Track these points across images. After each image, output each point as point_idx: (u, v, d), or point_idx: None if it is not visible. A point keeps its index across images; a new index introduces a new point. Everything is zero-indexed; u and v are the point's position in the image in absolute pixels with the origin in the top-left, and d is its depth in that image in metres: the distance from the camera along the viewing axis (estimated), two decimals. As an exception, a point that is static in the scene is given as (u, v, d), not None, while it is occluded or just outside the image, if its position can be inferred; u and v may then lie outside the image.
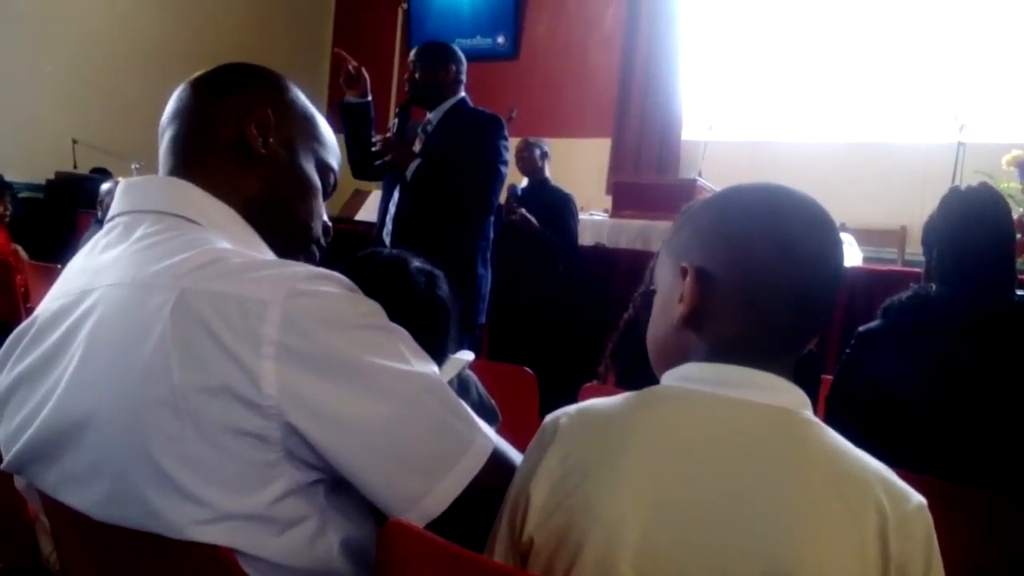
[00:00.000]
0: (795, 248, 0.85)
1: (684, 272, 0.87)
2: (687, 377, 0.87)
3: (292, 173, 1.06)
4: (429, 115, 3.30)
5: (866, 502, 0.76)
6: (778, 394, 0.83)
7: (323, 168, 1.10)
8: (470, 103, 3.32)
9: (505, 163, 3.26)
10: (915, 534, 0.77)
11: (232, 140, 1.01)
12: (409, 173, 3.14)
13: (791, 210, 0.87)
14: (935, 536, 0.79)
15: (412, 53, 3.33)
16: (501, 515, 0.88)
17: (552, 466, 0.84)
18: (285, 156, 1.05)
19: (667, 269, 0.93)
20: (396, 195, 3.26)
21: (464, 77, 3.31)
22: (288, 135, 1.05)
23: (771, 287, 0.84)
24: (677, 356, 0.89)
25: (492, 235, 3.36)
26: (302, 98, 1.10)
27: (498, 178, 3.22)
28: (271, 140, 1.03)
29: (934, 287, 1.78)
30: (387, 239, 3.26)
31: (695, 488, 0.78)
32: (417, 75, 3.25)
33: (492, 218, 3.33)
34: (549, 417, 0.90)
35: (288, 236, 1.06)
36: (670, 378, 0.89)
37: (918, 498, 0.79)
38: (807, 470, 0.78)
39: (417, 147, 3.25)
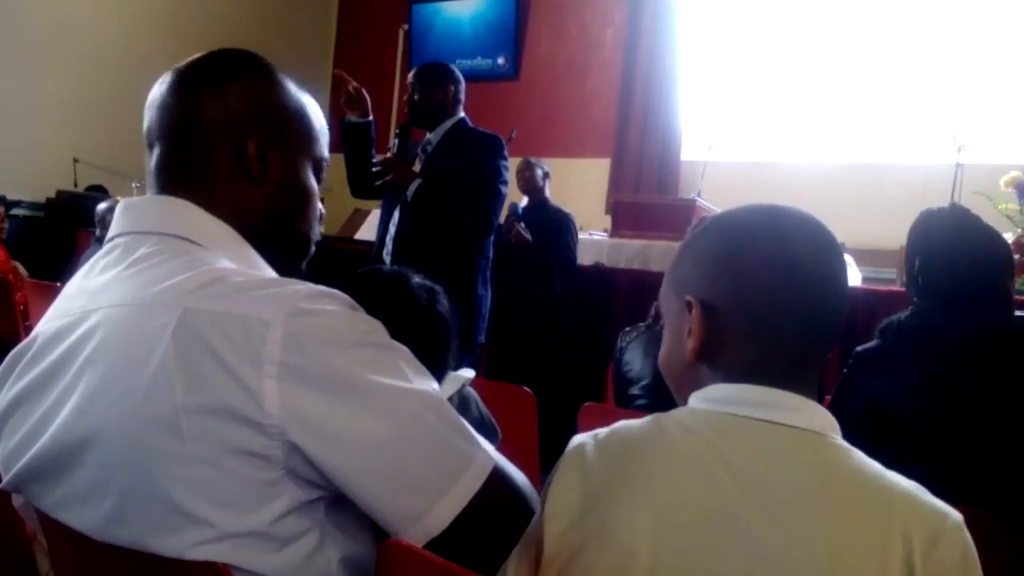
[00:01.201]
0: (800, 271, 0.84)
1: (689, 306, 0.87)
2: (714, 398, 0.86)
3: (292, 187, 1.05)
4: (429, 135, 3.31)
5: (890, 531, 0.74)
6: (804, 416, 0.82)
7: (318, 165, 1.09)
8: (469, 123, 3.34)
9: (505, 183, 3.27)
10: (945, 558, 0.74)
11: (230, 159, 1.00)
12: (410, 193, 3.15)
13: (792, 233, 0.86)
14: (973, 555, 0.76)
15: (410, 75, 3.35)
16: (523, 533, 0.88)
17: (572, 485, 0.85)
18: (284, 171, 1.04)
19: (672, 302, 0.92)
20: (396, 215, 3.27)
21: (463, 97, 3.33)
22: (285, 148, 1.04)
23: (779, 312, 0.83)
24: (695, 387, 0.88)
25: (492, 254, 3.37)
26: (292, 92, 1.06)
27: (498, 198, 3.23)
28: (268, 158, 1.02)
29: (927, 308, 1.77)
30: (387, 259, 3.27)
31: (715, 516, 0.77)
32: (416, 96, 3.27)
33: (492, 238, 3.34)
34: (577, 438, 0.90)
35: (289, 249, 1.07)
36: (696, 399, 0.88)
37: (953, 519, 0.77)
38: (830, 499, 0.77)
39: (417, 167, 3.27)
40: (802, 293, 0.84)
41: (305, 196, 1.07)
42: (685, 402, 0.89)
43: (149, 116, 1.03)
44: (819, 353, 0.87)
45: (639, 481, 0.81)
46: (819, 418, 0.83)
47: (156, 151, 1.02)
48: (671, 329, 0.92)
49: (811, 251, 0.85)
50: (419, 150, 3.33)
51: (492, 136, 3.29)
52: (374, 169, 3.25)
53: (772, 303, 0.83)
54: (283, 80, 1.06)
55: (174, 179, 1.00)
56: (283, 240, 1.05)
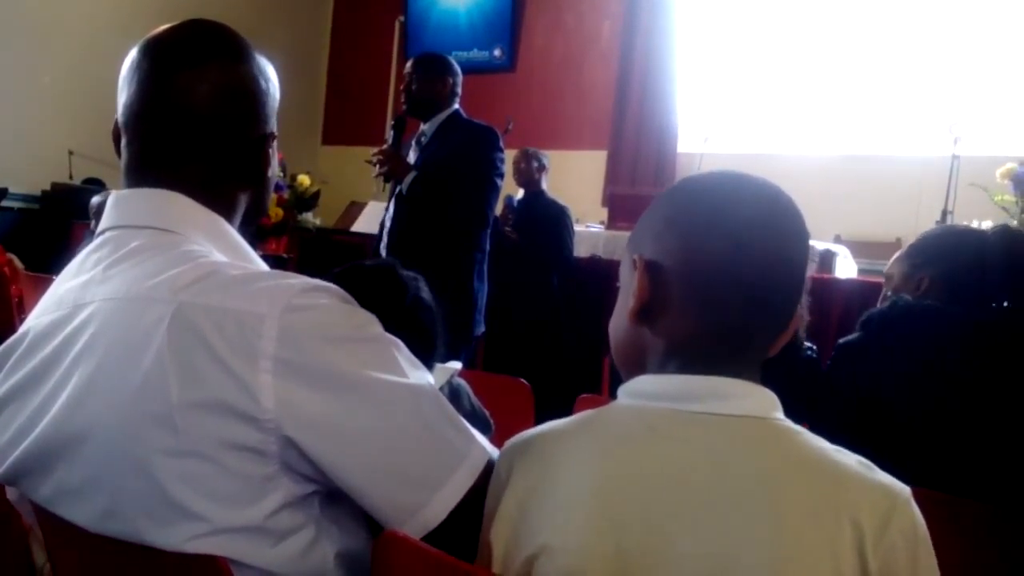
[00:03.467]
0: (749, 242, 0.79)
1: (636, 265, 0.84)
2: (644, 393, 0.82)
3: (268, 171, 1.06)
4: (423, 127, 3.30)
5: (840, 518, 0.72)
6: (743, 401, 0.78)
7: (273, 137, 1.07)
8: (463, 115, 3.33)
9: (501, 175, 3.26)
10: (896, 542, 0.73)
11: (219, 151, 0.99)
12: (405, 186, 3.14)
13: (745, 200, 0.82)
14: (922, 531, 0.75)
15: (409, 64, 3.34)
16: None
17: (509, 510, 0.83)
18: (268, 161, 1.04)
19: (625, 263, 0.88)
20: (392, 208, 3.26)
21: (459, 90, 3.32)
22: (266, 134, 1.04)
23: (723, 282, 0.79)
24: (635, 353, 0.86)
25: (488, 247, 3.36)
26: (265, 72, 1.04)
27: (494, 190, 3.23)
28: (258, 152, 1.02)
29: (909, 298, 1.75)
30: (383, 252, 3.26)
31: (656, 521, 0.74)
32: (414, 86, 3.26)
33: (488, 230, 3.33)
34: (500, 456, 0.88)
35: (256, 227, 1.08)
36: (625, 394, 0.84)
37: (902, 497, 0.75)
38: (779, 490, 0.74)
39: (411, 159, 3.25)
40: (749, 266, 0.79)
41: (270, 177, 1.07)
42: (629, 373, 0.86)
43: (123, 96, 1.00)
44: (762, 336, 0.83)
45: (574, 498, 0.78)
46: (760, 401, 0.79)
47: (136, 137, 0.99)
48: (622, 292, 0.89)
49: (763, 224, 0.81)
50: (413, 142, 3.32)
51: (486, 128, 3.28)
52: (370, 161, 3.23)
53: (716, 272, 0.79)
54: (257, 58, 1.04)
55: (160, 169, 0.98)
56: (254, 222, 1.07)
